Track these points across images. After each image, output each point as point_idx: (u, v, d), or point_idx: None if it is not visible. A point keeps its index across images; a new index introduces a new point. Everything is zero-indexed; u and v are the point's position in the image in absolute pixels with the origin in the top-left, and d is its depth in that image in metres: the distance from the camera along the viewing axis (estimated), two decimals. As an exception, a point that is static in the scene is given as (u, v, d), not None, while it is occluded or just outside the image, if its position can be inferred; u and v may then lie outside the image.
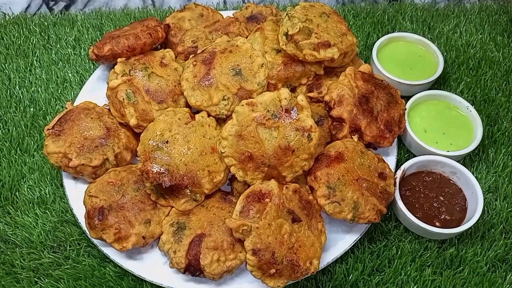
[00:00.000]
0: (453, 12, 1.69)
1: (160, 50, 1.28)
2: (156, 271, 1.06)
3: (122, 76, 1.18)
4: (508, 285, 1.08)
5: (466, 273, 1.09)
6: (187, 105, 1.18)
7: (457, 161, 1.19)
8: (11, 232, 1.16)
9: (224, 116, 1.14)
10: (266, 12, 1.45)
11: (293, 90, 1.26)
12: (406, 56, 1.44)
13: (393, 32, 1.58)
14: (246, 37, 1.29)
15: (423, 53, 1.45)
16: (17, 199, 1.22)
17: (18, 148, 1.31)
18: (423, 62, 1.42)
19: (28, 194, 1.22)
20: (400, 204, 1.11)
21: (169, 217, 1.07)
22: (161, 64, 1.22)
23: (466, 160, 1.29)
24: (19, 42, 1.58)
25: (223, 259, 0.99)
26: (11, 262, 1.11)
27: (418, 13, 1.68)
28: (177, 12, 1.46)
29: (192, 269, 0.99)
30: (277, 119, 1.03)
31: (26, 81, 1.48)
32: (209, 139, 1.09)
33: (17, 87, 1.46)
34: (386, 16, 1.66)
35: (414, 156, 1.24)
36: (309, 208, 1.04)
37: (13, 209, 1.20)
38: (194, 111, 1.17)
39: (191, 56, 1.23)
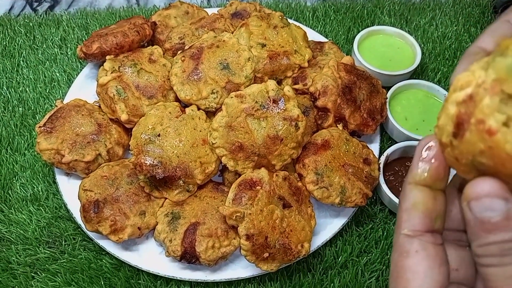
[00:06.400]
0: (429, 6, 1.76)
1: (148, 47, 1.30)
2: (152, 261, 1.08)
3: (111, 73, 1.20)
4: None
5: (448, 251, 1.15)
6: (177, 99, 1.21)
7: (437, 146, 1.25)
8: (5, 230, 1.17)
9: (213, 109, 1.17)
10: (250, 8, 1.48)
11: (279, 83, 1.30)
12: (386, 48, 1.50)
13: (372, 26, 1.63)
14: (232, 33, 1.32)
15: (401, 45, 1.51)
16: (10, 197, 1.23)
17: (9, 147, 1.32)
18: (401, 54, 1.48)
19: (21, 192, 1.24)
20: (385, 188, 1.17)
21: (164, 208, 1.10)
22: (150, 60, 1.25)
23: (445, 146, 1.35)
24: (5, 43, 1.58)
25: (217, 246, 1.02)
26: (7, 258, 1.12)
27: (395, 7, 1.74)
28: (162, 10, 1.48)
29: (188, 256, 1.02)
30: (265, 109, 1.07)
31: (14, 82, 1.48)
32: (200, 131, 1.13)
33: (4, 87, 1.46)
34: (365, 11, 1.72)
35: (396, 142, 1.30)
36: (298, 194, 1.08)
37: (6, 207, 1.21)
38: (184, 105, 1.20)
39: (179, 52, 1.26)
